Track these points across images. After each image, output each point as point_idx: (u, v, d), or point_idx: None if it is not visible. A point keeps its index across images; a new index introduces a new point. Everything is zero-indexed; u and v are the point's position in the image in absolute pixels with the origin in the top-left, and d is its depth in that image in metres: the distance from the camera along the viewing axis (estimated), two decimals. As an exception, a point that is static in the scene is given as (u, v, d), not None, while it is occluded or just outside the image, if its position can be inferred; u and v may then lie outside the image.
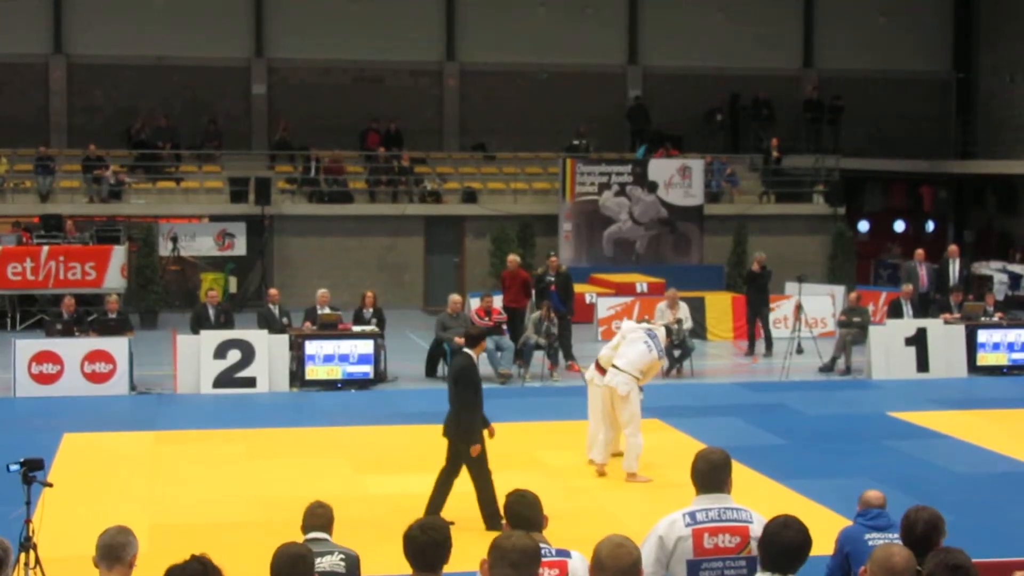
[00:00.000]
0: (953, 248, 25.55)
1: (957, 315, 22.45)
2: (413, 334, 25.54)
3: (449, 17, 34.46)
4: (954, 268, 24.61)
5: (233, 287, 29.96)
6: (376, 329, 20.76)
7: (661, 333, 15.15)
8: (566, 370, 21.42)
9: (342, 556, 7.49)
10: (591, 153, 32.39)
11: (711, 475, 6.52)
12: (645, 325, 14.99)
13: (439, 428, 16.98)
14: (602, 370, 14.72)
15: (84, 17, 32.73)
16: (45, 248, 26.27)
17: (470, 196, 32.02)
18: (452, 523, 6.59)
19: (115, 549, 5.97)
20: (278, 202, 30.57)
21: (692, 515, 6.41)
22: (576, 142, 32.24)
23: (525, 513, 6.33)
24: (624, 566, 5.42)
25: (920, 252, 24.99)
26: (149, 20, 32.69)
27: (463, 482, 13.96)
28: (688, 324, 21.68)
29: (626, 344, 14.39)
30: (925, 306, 23.48)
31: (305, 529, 7.82)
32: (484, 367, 21.21)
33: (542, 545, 6.07)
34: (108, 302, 21.72)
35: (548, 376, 20.82)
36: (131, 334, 20.62)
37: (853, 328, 21.98)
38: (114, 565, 5.96)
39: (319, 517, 7.85)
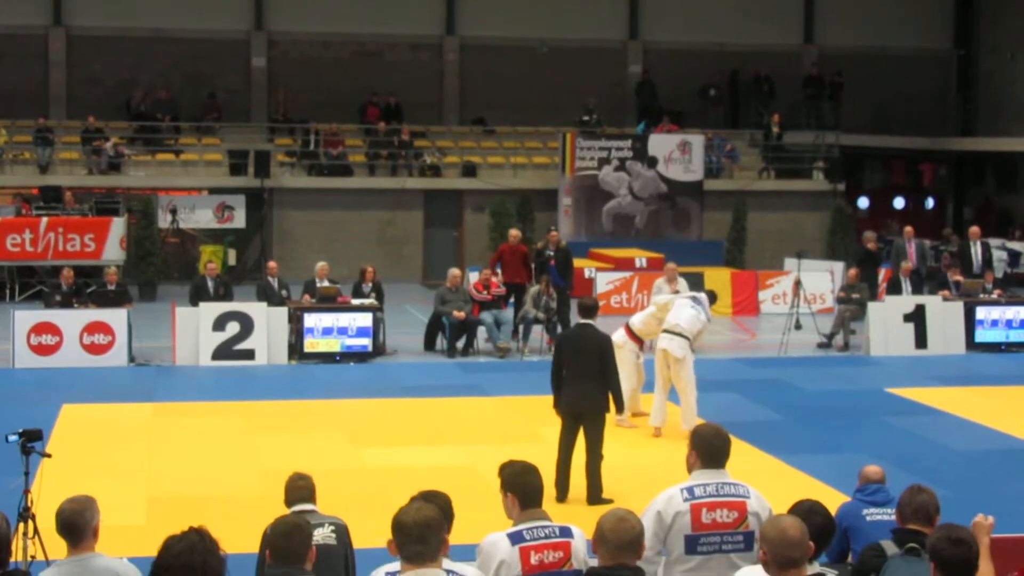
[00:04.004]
0: (975, 229, 25.04)
1: (957, 279, 22.38)
2: (412, 307, 25.54)
3: (449, -10, 34.34)
4: (976, 250, 24.36)
5: (232, 260, 29.94)
6: (375, 302, 20.76)
7: (704, 298, 15.63)
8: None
9: (332, 527, 7.47)
10: (601, 127, 32.17)
11: (723, 450, 6.54)
12: (689, 293, 15.71)
13: (438, 401, 17.10)
14: (634, 336, 15.59)
15: (84, -12, 32.63)
16: (44, 220, 26.21)
17: (470, 170, 31.95)
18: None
19: (77, 526, 5.89)
20: (277, 175, 30.52)
21: (690, 490, 6.42)
22: (586, 117, 32.07)
23: (537, 484, 6.19)
24: (626, 540, 5.44)
25: (909, 229, 24.78)
26: (149, -9, 32.58)
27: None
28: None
29: (674, 310, 14.88)
30: (916, 283, 23.32)
31: (289, 502, 7.72)
32: (483, 341, 21.30)
33: (545, 523, 6.05)
34: (107, 274, 21.71)
35: (547, 350, 20.79)
36: (130, 306, 20.61)
37: (852, 304, 21.99)
38: (79, 541, 5.91)
39: (302, 489, 7.76)
